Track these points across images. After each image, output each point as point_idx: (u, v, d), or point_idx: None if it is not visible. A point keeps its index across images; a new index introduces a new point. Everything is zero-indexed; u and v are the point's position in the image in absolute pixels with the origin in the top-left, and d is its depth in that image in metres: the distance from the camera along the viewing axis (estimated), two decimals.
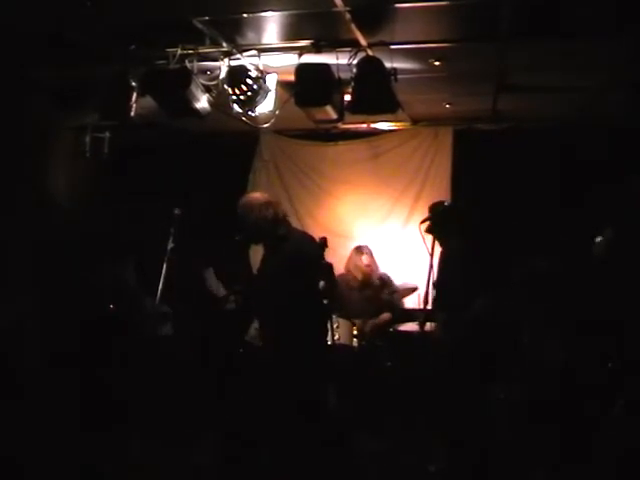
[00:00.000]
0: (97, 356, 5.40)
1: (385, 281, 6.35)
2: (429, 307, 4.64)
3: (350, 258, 6.33)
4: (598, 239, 4.76)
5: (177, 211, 5.44)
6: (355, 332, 5.67)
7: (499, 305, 4.76)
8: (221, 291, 5.84)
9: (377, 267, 6.36)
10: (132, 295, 5.87)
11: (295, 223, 5.93)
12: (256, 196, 4.40)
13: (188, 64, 4.48)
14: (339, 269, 6.22)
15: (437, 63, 4.68)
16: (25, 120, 5.74)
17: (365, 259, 6.23)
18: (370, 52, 4.39)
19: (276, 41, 4.39)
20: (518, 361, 4.79)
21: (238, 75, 4.51)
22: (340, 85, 4.54)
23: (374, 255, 6.34)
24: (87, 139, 6.41)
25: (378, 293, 6.24)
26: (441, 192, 6.74)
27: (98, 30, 4.18)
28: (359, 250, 6.31)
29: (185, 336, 5.92)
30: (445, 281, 4.69)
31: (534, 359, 4.86)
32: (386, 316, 6.13)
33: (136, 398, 5.18)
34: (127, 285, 5.95)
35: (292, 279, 3.99)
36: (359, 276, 6.23)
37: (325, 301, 3.94)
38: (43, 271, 5.90)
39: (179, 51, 4.42)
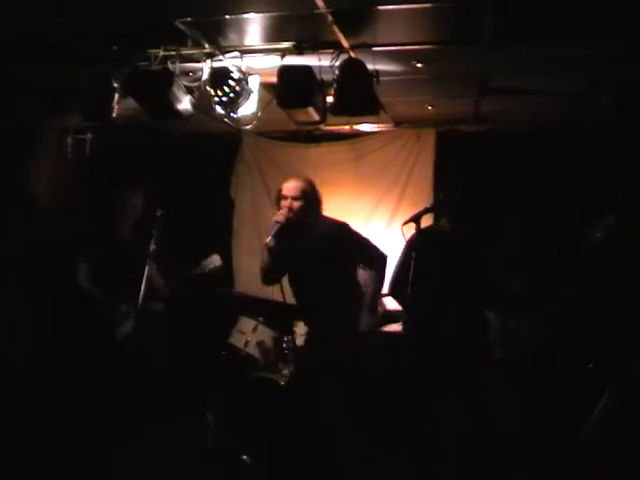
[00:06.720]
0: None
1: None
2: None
3: None
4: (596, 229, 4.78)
5: (159, 212, 5.41)
6: None
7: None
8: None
9: None
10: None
11: None
12: None
13: (170, 65, 4.47)
14: None
15: (419, 65, 4.69)
16: (8, 121, 5.70)
17: None
18: (352, 54, 4.39)
19: (258, 43, 4.38)
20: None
21: (220, 77, 4.50)
22: (322, 87, 4.55)
23: None
24: (69, 140, 6.39)
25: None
26: (423, 193, 6.76)
27: (80, 31, 4.16)
28: None
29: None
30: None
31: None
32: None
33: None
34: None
35: None
36: None
37: None
38: (30, 273, 5.86)
39: (161, 52, 4.40)
